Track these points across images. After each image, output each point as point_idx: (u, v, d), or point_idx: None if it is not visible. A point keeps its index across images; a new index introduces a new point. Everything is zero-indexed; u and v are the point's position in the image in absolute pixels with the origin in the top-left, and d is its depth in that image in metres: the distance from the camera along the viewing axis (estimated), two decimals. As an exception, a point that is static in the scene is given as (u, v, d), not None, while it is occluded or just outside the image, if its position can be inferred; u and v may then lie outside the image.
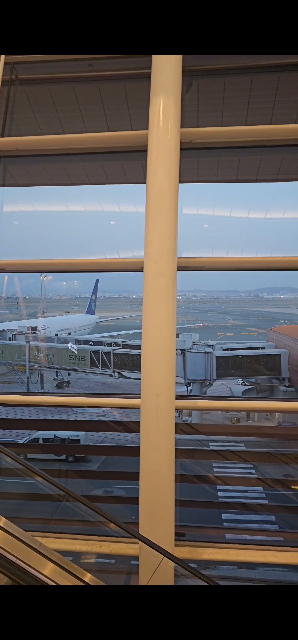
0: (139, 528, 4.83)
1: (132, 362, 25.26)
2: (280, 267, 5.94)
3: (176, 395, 5.01)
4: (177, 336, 26.20)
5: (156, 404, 4.84)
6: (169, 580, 4.55)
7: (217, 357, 23.92)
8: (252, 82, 6.25)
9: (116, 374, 26.29)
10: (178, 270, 5.03)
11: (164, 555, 4.02)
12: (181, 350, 23.47)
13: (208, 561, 5.80)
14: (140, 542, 4.50)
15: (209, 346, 24.72)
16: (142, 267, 5.05)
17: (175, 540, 5.01)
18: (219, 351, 25.16)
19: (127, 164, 6.98)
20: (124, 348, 27.24)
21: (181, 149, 5.12)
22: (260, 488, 8.99)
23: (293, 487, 7.98)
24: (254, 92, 6.31)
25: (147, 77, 5.23)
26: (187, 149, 5.41)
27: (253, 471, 10.01)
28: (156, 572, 4.22)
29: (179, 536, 5.24)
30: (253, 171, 7.60)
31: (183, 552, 5.09)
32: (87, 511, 4.85)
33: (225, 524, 8.56)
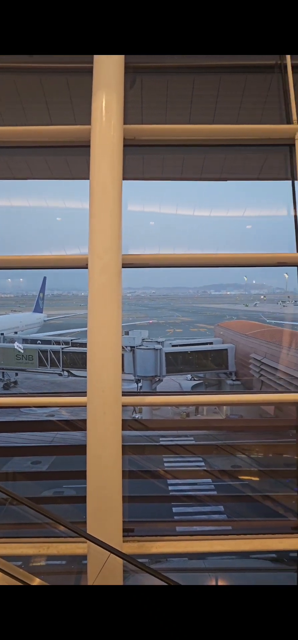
0: (87, 527, 4.79)
1: (82, 361, 24.92)
2: (226, 264, 6.10)
3: (123, 392, 5.02)
4: (127, 333, 26.32)
5: (102, 401, 4.82)
6: (118, 577, 4.55)
7: (166, 354, 24.17)
8: (194, 81, 6.35)
9: (66, 373, 25.87)
10: (123, 267, 5.03)
11: (111, 552, 4.01)
12: (131, 347, 23.53)
13: (158, 554, 5.86)
14: (87, 541, 4.46)
15: (158, 343, 24.93)
16: (87, 264, 5.00)
17: (124, 536, 5.02)
18: (168, 347, 25.45)
19: (72, 159, 6.87)
20: (73, 346, 26.85)
21: (125, 145, 5.11)
22: (209, 480, 9.15)
23: (240, 477, 8.20)
24: (196, 92, 6.41)
25: (90, 71, 5.17)
26: (131, 146, 5.41)
27: (202, 464, 10.17)
28: (104, 570, 4.21)
29: (128, 532, 5.25)
30: (198, 170, 7.73)
31: (132, 547, 5.10)
32: (34, 513, 4.75)
33: (175, 517, 8.65)
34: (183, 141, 5.92)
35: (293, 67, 5.72)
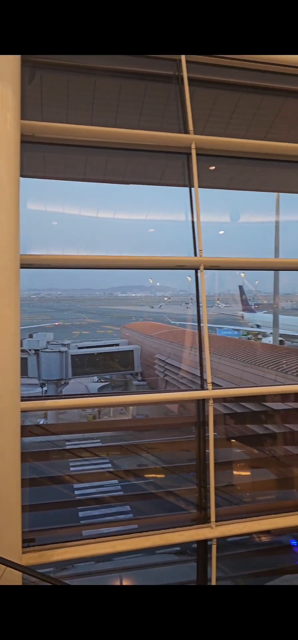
0: (-17, 541, 4.52)
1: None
2: (128, 266, 6.18)
3: (22, 397, 4.83)
4: (31, 336, 25.42)
5: (-1, 407, 4.59)
6: (17, 590, 4.35)
7: (72, 356, 23.90)
8: (95, 83, 6.36)
9: None
10: (22, 268, 4.83)
11: (7, 566, 3.83)
12: (35, 350, 22.86)
13: (60, 561, 5.73)
14: (-18, 556, 4.21)
15: (64, 345, 24.54)
16: (-18, 264, 4.72)
17: (24, 547, 4.83)
18: (74, 350, 25.18)
19: None
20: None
21: (22, 141, 4.92)
22: (116, 481, 9.18)
23: (145, 475, 8.34)
24: (98, 94, 6.43)
25: (-16, 61, 4.89)
26: (29, 143, 5.24)
27: (109, 465, 10.18)
28: (1, 584, 4.00)
29: (28, 542, 5.07)
30: (101, 172, 7.74)
31: (33, 557, 4.93)
32: None
33: (82, 522, 8.53)
34: (85, 142, 5.87)
35: (189, 79, 5.99)
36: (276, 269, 25.70)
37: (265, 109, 7.24)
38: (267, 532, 6.79)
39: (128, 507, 8.07)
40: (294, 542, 7.22)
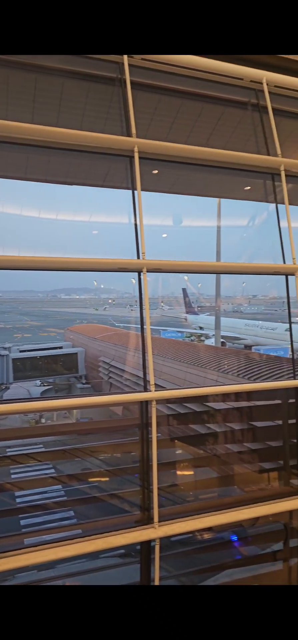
0: None
1: None
2: (71, 268, 6.09)
3: None
4: None
5: None
6: None
7: (14, 360, 23.22)
8: (36, 80, 6.22)
9: None
10: None
11: None
12: (-27, 354, 21.98)
13: (1, 572, 5.55)
14: None
15: (5, 348, 23.75)
16: None
17: None
18: (16, 353, 24.46)
19: None
20: None
21: None
22: (59, 486, 9.04)
23: (90, 479, 8.27)
24: (39, 92, 6.30)
25: None
26: None
27: (52, 471, 10.01)
28: None
29: None
30: (43, 172, 7.59)
31: (-30, 570, 4.74)
32: None
33: (23, 530, 8.32)
34: (25, 140, 5.72)
35: (132, 83, 6.02)
36: (217, 272, 26.35)
37: (206, 116, 7.43)
38: (208, 529, 6.96)
39: (72, 513, 7.97)
40: (234, 538, 7.45)
